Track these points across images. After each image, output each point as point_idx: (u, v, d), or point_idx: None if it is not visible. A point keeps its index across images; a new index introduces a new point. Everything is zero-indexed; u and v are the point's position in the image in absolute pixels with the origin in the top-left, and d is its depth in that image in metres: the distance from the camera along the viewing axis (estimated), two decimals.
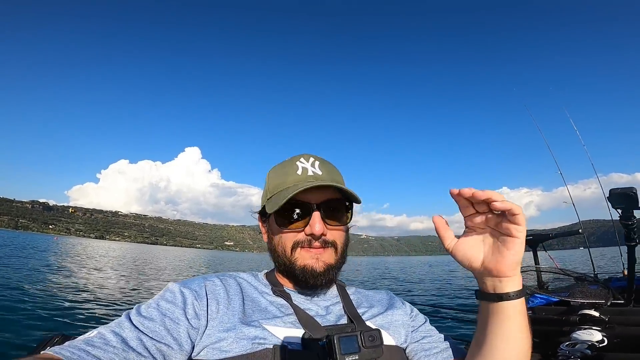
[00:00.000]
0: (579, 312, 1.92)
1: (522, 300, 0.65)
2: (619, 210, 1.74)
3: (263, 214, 0.85)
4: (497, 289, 0.64)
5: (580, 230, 2.49)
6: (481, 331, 0.69)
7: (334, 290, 0.85)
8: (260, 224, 0.88)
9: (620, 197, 1.67)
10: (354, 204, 0.82)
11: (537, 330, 2.20)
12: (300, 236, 0.76)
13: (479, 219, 0.63)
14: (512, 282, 0.63)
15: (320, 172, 0.79)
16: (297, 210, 0.76)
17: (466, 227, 0.66)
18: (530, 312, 2.31)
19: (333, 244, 0.78)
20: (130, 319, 0.64)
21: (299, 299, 0.79)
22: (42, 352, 0.55)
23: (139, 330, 0.62)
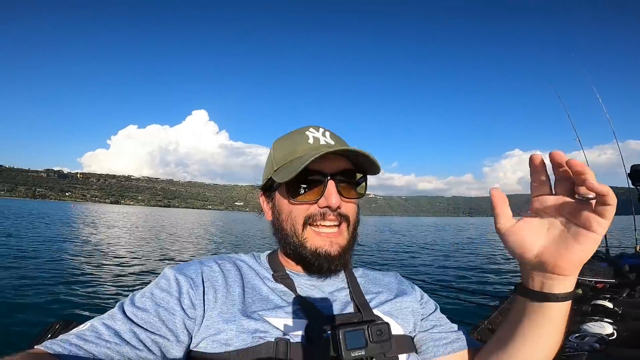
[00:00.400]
0: (592, 303, 1.91)
1: (570, 302, 0.58)
2: (638, 188, 1.68)
3: (266, 189, 0.78)
4: (545, 287, 0.56)
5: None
6: (510, 328, 0.64)
7: (340, 273, 0.79)
8: (262, 201, 0.80)
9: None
10: (368, 175, 0.76)
11: None
12: (313, 209, 0.70)
13: (553, 201, 0.52)
14: (566, 283, 0.55)
15: (332, 142, 0.73)
16: (311, 180, 0.70)
17: (531, 210, 0.55)
18: None
19: (346, 219, 0.72)
20: (123, 310, 0.61)
21: (302, 285, 0.73)
22: (35, 347, 0.53)
23: (132, 322, 0.59)
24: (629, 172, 1.67)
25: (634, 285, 2.10)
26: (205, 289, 0.67)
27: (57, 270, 7.20)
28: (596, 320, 1.80)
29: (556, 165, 0.49)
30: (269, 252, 0.83)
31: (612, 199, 0.45)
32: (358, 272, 0.84)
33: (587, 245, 0.50)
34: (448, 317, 0.83)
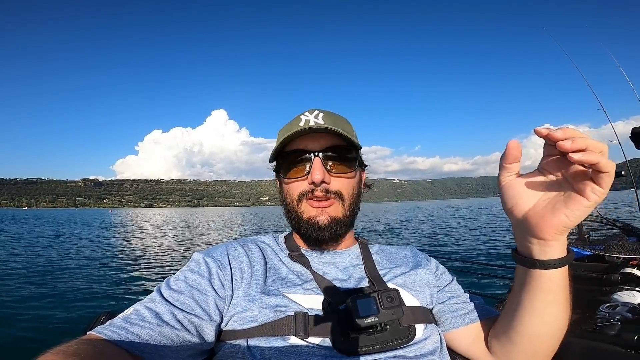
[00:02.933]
0: (621, 271, 1.86)
1: (563, 270, 0.57)
2: None
3: (277, 170, 0.83)
4: (533, 252, 0.56)
5: (623, 173, 2.29)
6: (511, 300, 0.65)
7: (355, 249, 0.82)
8: (276, 180, 0.85)
9: None
10: (370, 153, 0.82)
11: (576, 289, 2.11)
12: (304, 186, 0.73)
13: (559, 161, 0.50)
14: (553, 248, 0.54)
15: (322, 122, 0.74)
16: (298, 159, 0.74)
17: (538, 167, 0.54)
18: (570, 269, 2.21)
19: (338, 194, 0.74)
20: (161, 293, 0.65)
21: (317, 263, 0.77)
22: (88, 333, 0.58)
23: (170, 303, 0.63)
24: (630, 134, 1.56)
25: None
26: (232, 269, 0.72)
27: (107, 269, 7.68)
28: (627, 289, 1.75)
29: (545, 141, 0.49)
30: (286, 233, 0.87)
31: (606, 166, 0.44)
32: (374, 249, 0.86)
33: (574, 210, 0.49)
34: (473, 292, 0.82)
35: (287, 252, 0.79)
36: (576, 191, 0.49)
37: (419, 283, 0.77)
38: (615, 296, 1.73)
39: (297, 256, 0.77)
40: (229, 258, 0.74)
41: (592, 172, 0.46)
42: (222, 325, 0.67)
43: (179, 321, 0.61)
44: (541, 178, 0.53)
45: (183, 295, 0.65)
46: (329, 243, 0.76)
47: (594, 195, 0.47)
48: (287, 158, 0.75)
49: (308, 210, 0.74)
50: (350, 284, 0.73)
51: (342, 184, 0.75)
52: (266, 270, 0.74)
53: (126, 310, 0.64)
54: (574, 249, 2.27)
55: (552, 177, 0.52)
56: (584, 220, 2.60)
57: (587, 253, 2.23)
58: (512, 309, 0.65)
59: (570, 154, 0.45)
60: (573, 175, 0.49)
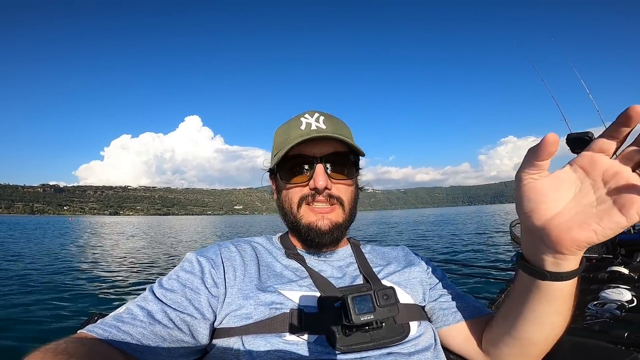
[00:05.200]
0: (608, 269, 1.88)
1: (573, 281, 0.53)
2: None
3: (273, 172, 0.83)
4: (545, 264, 0.51)
5: None
6: (510, 305, 0.63)
7: (348, 249, 0.84)
8: (271, 183, 0.86)
9: (577, 142, 1.63)
10: (361, 158, 0.79)
11: None
12: (306, 190, 0.75)
13: (606, 163, 0.42)
14: (569, 262, 0.49)
15: (324, 127, 0.75)
16: (300, 164, 0.74)
17: (570, 163, 0.45)
18: None
19: (339, 200, 0.75)
20: (153, 292, 0.66)
21: (312, 261, 0.78)
22: (78, 332, 0.57)
23: (163, 302, 0.63)
24: (565, 139, 1.62)
25: None
26: (225, 268, 0.72)
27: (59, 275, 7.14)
28: (614, 287, 1.76)
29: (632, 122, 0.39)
30: (281, 234, 0.87)
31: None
32: (366, 248, 0.87)
33: (607, 227, 0.42)
34: (465, 292, 0.83)
35: (283, 251, 0.80)
36: (618, 205, 0.41)
37: (413, 281, 0.78)
38: (603, 294, 1.74)
39: (293, 254, 0.78)
40: (222, 257, 0.74)
41: None
42: (216, 323, 0.67)
43: (171, 320, 0.61)
44: (574, 179, 0.45)
45: (176, 294, 0.65)
46: (328, 246, 0.78)
47: (637, 216, 0.40)
48: (288, 162, 0.75)
49: (308, 215, 0.75)
50: (346, 282, 0.74)
51: (342, 189, 0.76)
52: (259, 268, 0.74)
53: (118, 309, 0.63)
54: None
55: (589, 181, 0.44)
56: None
57: None
58: (510, 315, 0.63)
59: None
60: (623, 184, 0.41)
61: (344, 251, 0.83)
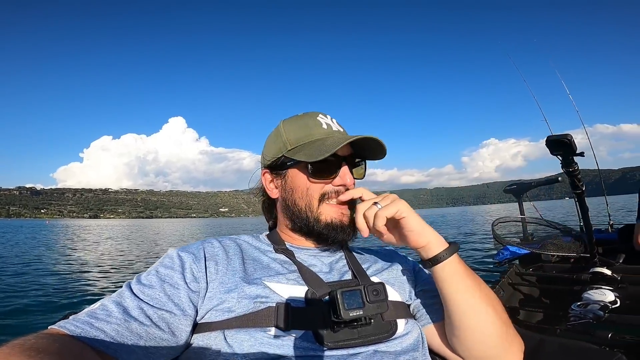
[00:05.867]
0: (591, 270, 1.88)
1: (452, 261, 0.69)
2: (559, 157, 1.66)
3: (273, 168, 0.82)
4: (424, 255, 0.71)
5: (559, 179, 2.47)
6: (444, 303, 0.73)
7: (338, 247, 0.84)
8: (265, 180, 0.84)
9: (556, 144, 1.63)
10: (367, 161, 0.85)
11: (548, 289, 2.18)
12: (328, 187, 0.76)
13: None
14: (431, 248, 0.69)
15: (341, 129, 0.82)
16: (330, 161, 0.75)
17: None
18: (541, 270, 2.29)
19: (354, 200, 0.78)
20: (130, 288, 0.64)
21: (302, 256, 0.77)
22: (49, 327, 0.55)
23: (140, 299, 0.61)
24: (545, 141, 1.65)
25: (628, 251, 2.09)
26: (207, 262, 0.70)
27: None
28: (597, 288, 1.76)
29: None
30: (267, 233, 0.87)
31: (357, 192, 0.75)
32: (355, 247, 0.89)
33: (407, 226, 0.70)
34: None
35: (272, 247, 0.79)
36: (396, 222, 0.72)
37: (400, 279, 0.80)
38: (586, 295, 1.73)
39: (282, 249, 0.78)
40: (204, 252, 0.73)
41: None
42: (198, 319, 0.65)
43: (148, 317, 0.59)
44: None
45: (154, 289, 0.63)
46: (339, 242, 0.79)
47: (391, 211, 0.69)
48: (319, 160, 0.74)
49: (328, 212, 0.76)
50: (334, 277, 0.74)
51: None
52: (245, 262, 0.73)
53: (92, 305, 0.61)
54: (512, 249, 2.39)
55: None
56: (527, 222, 2.82)
57: (525, 252, 2.32)
58: (444, 306, 0.72)
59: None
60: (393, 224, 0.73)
61: (335, 249, 0.82)
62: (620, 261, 2.00)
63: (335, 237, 0.76)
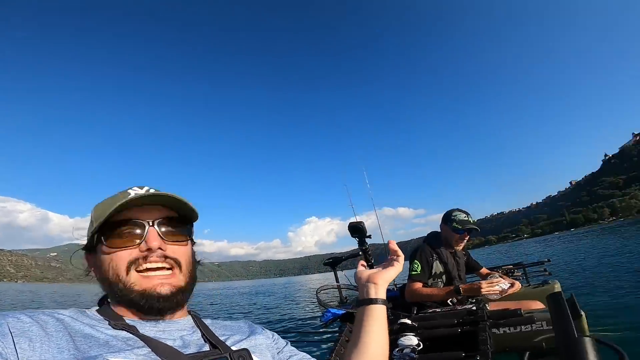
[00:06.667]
0: (399, 322, 2.38)
1: (384, 307, 0.86)
2: (356, 238, 2.33)
3: (89, 249, 0.74)
4: (370, 295, 0.87)
5: (360, 253, 2.92)
6: (357, 332, 0.83)
7: (189, 320, 0.76)
8: (89, 261, 0.76)
9: (353, 229, 2.31)
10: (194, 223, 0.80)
11: None
12: (135, 253, 0.68)
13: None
14: (380, 290, 0.88)
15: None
16: (129, 228, 0.69)
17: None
18: None
19: (176, 262, 0.72)
20: None
21: (148, 331, 0.66)
22: None
23: None
24: (348, 226, 2.39)
25: (406, 307, 2.77)
26: (15, 338, 0.54)
27: None
28: (406, 335, 2.24)
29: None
30: (97, 308, 0.72)
31: (399, 253, 0.93)
32: (207, 321, 0.82)
33: (390, 271, 0.91)
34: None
35: (106, 322, 0.66)
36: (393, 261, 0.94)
37: (260, 347, 0.78)
38: (400, 341, 2.15)
39: (121, 325, 0.66)
40: (8, 326, 0.55)
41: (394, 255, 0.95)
42: None
43: None
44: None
45: None
46: (167, 313, 0.71)
47: (399, 264, 0.93)
48: (113, 229, 0.69)
49: (141, 282, 0.68)
50: (192, 349, 0.67)
51: (178, 251, 0.74)
52: (74, 339, 0.58)
53: None
54: (333, 310, 2.84)
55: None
56: (342, 288, 3.61)
57: (343, 312, 2.79)
58: (359, 338, 0.82)
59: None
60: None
61: (185, 322, 0.75)
62: (415, 312, 2.65)
63: (152, 306, 0.68)
